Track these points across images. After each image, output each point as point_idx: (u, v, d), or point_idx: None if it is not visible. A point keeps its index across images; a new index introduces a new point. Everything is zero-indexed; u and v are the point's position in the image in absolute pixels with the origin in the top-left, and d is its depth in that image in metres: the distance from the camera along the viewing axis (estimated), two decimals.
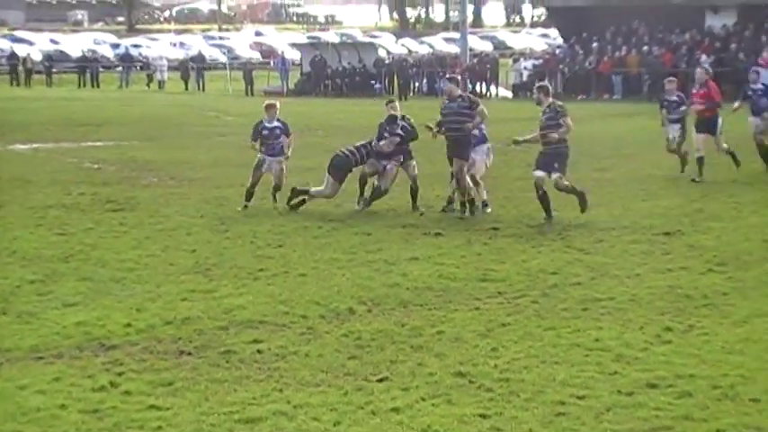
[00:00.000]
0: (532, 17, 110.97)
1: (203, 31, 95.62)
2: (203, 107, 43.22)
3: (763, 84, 22.34)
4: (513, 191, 18.81)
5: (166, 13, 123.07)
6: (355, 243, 14.89)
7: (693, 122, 20.79)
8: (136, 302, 11.71)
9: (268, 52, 71.72)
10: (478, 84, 50.19)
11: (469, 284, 12.47)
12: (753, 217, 16.62)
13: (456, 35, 65.50)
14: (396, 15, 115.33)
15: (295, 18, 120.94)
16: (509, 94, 49.38)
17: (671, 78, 22.70)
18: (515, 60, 51.59)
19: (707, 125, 20.38)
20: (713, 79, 21.48)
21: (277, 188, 17.89)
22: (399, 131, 17.49)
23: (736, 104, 21.92)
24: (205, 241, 15.20)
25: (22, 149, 27.37)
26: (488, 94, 49.32)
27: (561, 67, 48.09)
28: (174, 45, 73.00)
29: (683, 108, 21.03)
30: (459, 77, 23.98)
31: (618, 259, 13.71)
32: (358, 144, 17.90)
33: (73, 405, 8.56)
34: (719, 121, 20.51)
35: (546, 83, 18.45)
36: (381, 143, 17.54)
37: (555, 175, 16.22)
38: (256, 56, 70.50)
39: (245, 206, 17.64)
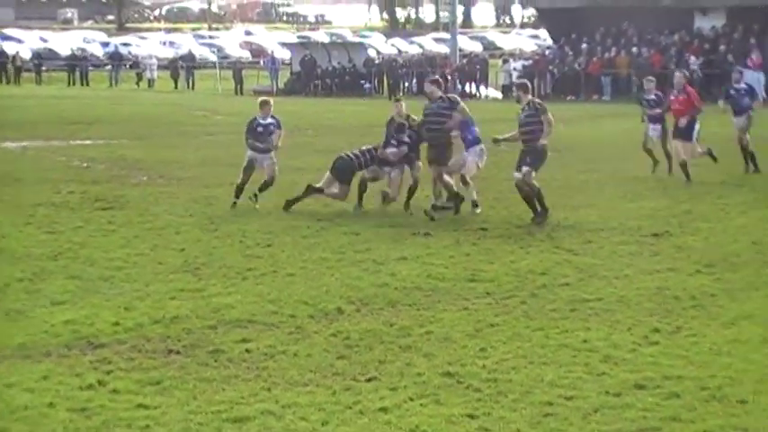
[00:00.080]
0: (522, 18, 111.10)
1: (193, 29, 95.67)
2: (193, 106, 43.16)
3: (746, 84, 22.51)
4: (503, 192, 18.81)
5: (156, 12, 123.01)
6: (344, 243, 14.89)
7: (672, 126, 20.72)
8: (124, 301, 11.70)
9: (258, 51, 71.70)
10: (468, 84, 50.26)
11: (458, 285, 12.48)
12: (741, 218, 16.66)
13: (446, 35, 65.64)
14: (386, 15, 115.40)
15: (285, 17, 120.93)
16: (498, 95, 49.40)
17: (650, 78, 22.87)
18: (505, 61, 51.60)
19: (682, 132, 20.10)
20: (690, 83, 21.44)
21: (268, 184, 17.80)
22: (407, 140, 17.34)
23: (721, 104, 21.98)
24: (194, 240, 15.18)
25: (11, 147, 27.28)
26: (478, 94, 49.38)
27: (551, 67, 48.21)
28: (164, 44, 72.96)
29: (658, 111, 21.05)
30: (442, 79, 23.93)
31: (606, 260, 13.72)
32: (363, 148, 17.76)
33: (61, 403, 8.54)
34: (696, 126, 20.31)
35: (525, 81, 18.43)
36: (388, 151, 17.41)
37: (525, 168, 16.07)
38: (246, 55, 70.50)
39: (234, 203, 17.65)
